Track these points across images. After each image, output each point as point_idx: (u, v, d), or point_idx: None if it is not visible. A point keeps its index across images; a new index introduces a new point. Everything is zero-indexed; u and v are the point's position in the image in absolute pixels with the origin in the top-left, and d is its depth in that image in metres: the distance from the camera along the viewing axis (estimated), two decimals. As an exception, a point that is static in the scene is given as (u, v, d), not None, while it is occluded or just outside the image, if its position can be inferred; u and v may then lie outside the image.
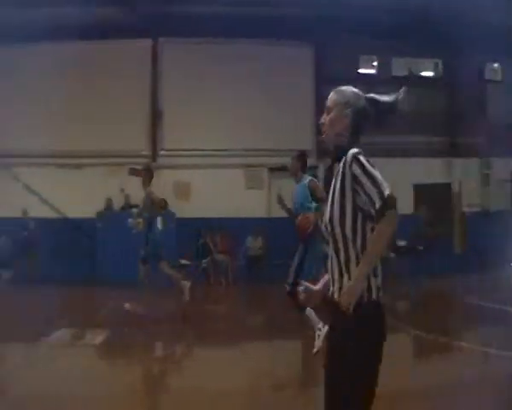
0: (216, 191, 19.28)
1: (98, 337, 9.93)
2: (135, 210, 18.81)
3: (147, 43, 20.38)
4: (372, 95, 3.46)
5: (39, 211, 19.35)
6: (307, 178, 8.24)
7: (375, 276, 3.10)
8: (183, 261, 18.58)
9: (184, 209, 19.27)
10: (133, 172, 19.11)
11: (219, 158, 20.01)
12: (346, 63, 19.91)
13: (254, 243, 19.62)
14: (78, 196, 19.15)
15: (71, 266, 18.29)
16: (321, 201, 7.52)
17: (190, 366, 8.42)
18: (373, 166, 3.11)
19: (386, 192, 2.98)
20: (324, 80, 19.78)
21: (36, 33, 18.48)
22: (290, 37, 19.97)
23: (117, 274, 17.03)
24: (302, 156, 8.42)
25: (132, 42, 20.05)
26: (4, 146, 19.82)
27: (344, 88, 3.52)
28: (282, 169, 18.91)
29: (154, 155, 20.38)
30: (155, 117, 20.45)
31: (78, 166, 19.92)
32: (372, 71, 21.13)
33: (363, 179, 3.04)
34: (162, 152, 20.42)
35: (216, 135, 19.85)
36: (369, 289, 3.06)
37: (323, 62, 20.54)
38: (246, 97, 20.01)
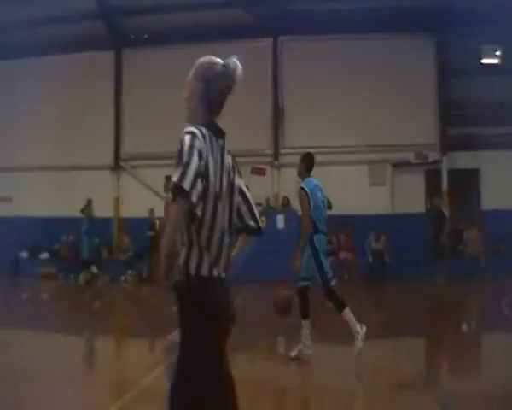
0: (339, 188, 19.22)
1: None
2: (258, 209, 19.27)
3: (267, 42, 20.88)
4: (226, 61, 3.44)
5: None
6: (308, 182, 8.12)
7: (209, 252, 3.09)
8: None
9: (308, 207, 19.35)
10: (256, 171, 19.59)
11: (342, 155, 20.08)
12: (468, 54, 19.29)
13: (377, 240, 19.45)
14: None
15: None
16: (303, 214, 7.93)
17: (315, 363, 8.41)
18: (200, 147, 3.06)
19: (174, 179, 2.94)
20: (447, 72, 19.32)
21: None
22: (411, 29, 19.67)
23: (238, 272, 17.35)
24: (306, 158, 8.28)
25: (253, 41, 20.66)
26: (130, 149, 21.09)
27: (200, 59, 3.47)
28: (406, 164, 18.64)
29: (277, 154, 20.74)
30: (277, 115, 20.81)
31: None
32: (495, 61, 20.21)
33: (176, 160, 3.01)
34: (284, 150, 20.73)
35: (338, 132, 19.95)
36: (198, 266, 3.06)
37: (445, 54, 20.02)
38: (367, 92, 19.91)
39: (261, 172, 20.25)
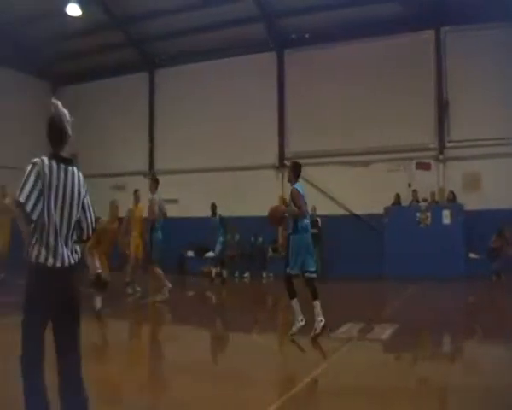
0: (508, 181, 19.35)
1: (386, 332, 10.26)
2: (422, 204, 20.03)
3: (429, 33, 21.17)
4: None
5: (328, 208, 21.36)
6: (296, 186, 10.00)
7: (46, 247, 4.26)
8: (472, 255, 19.12)
9: (473, 201, 19.65)
10: (421, 166, 20.17)
11: (510, 147, 19.89)
12: None
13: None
14: (366, 193, 20.85)
15: (359, 262, 19.94)
16: (298, 207, 9.73)
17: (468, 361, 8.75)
18: (38, 172, 4.29)
19: (16, 196, 4.22)
20: None
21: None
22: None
23: (404, 269, 18.36)
24: (294, 166, 10.18)
25: (414, 34, 21.18)
26: (295, 149, 22.48)
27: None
28: None
29: (442, 148, 20.96)
30: (441, 108, 20.96)
31: (366, 164, 21.58)
32: None
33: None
34: (449, 144, 20.95)
35: (507, 123, 19.69)
36: (37, 256, 4.24)
37: None
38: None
39: (426, 167, 20.66)
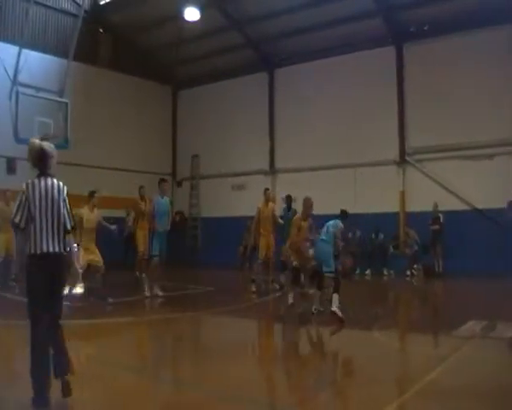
0: None
1: (510, 330, 10.13)
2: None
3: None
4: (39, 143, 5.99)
5: (449, 204, 21.08)
6: None
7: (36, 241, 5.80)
8: None
9: None
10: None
11: None
12: None
13: None
14: (490, 187, 20.34)
15: (481, 258, 19.52)
16: None
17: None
18: (22, 194, 5.86)
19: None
20: None
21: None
22: None
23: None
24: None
25: (490, 29, 20.57)
26: (415, 143, 22.36)
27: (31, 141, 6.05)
28: None
29: None
30: None
31: (489, 156, 21.06)
32: None
33: None
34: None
35: None
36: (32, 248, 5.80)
37: None
38: None
39: None
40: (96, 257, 13.75)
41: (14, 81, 18.39)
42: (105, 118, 25.58)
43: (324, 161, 24.12)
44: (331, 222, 12.38)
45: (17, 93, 18.12)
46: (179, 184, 29.87)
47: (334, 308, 11.04)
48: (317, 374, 7.64)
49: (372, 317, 10.78)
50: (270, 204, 16.69)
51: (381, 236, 22.20)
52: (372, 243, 22.19)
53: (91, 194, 14.15)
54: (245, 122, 26.87)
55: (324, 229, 12.29)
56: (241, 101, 27.08)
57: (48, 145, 6.04)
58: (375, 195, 22.08)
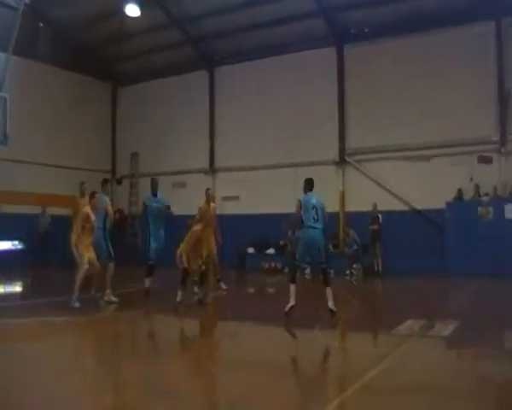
0: None
1: (447, 329, 10.19)
2: (485, 198, 19.86)
3: (488, 25, 20.74)
4: None
5: (388, 204, 21.40)
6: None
7: None
8: None
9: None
10: (482, 159, 19.97)
11: None
12: None
13: None
14: (427, 188, 20.79)
15: (419, 257, 20.00)
16: None
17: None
18: None
19: None
20: None
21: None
22: None
23: (467, 265, 18.28)
24: (305, 180, 12.29)
25: (473, 25, 20.82)
26: (355, 144, 22.56)
27: None
28: None
29: (504, 140, 20.52)
30: (503, 100, 20.54)
31: (426, 158, 21.47)
32: None
33: None
34: (512, 136, 20.53)
35: None
36: None
37: None
38: None
39: (487, 161, 20.34)
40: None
41: (-50, 75, 17.78)
42: (45, 113, 25.12)
43: (265, 160, 24.18)
44: (313, 200, 11.78)
45: (-48, 86, 17.53)
46: (119, 181, 29.46)
47: (332, 305, 11.18)
48: (255, 374, 7.54)
49: (311, 316, 10.75)
50: (212, 204, 16.57)
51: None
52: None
53: (93, 194, 13.53)
54: (186, 120, 26.70)
55: (311, 213, 11.57)
56: (182, 99, 26.88)
57: None
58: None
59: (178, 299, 12.75)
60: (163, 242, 14.73)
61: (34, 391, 6.59)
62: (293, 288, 11.30)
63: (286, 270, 21.79)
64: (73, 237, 12.88)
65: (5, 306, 13.29)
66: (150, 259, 14.36)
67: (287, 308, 11.17)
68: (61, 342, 9.99)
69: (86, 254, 12.62)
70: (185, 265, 12.86)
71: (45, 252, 21.51)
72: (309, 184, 12.17)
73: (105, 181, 15.01)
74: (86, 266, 12.51)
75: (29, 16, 23.08)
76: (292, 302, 11.20)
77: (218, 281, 16.37)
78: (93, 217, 12.98)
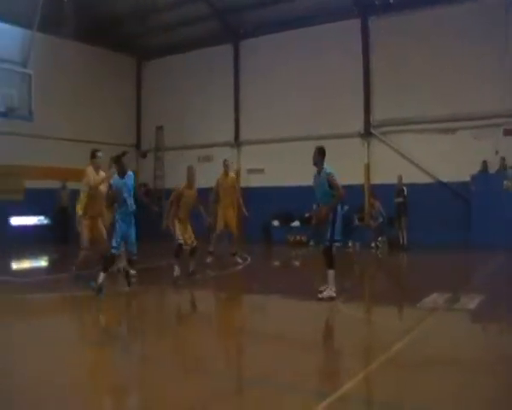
0: None
1: (473, 302, 10.18)
2: (510, 171, 19.70)
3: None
4: None
5: (413, 176, 21.26)
6: (327, 170, 10.77)
7: None
8: None
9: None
10: (509, 132, 19.77)
11: None
12: None
13: None
14: (452, 160, 20.62)
15: (445, 230, 19.90)
16: (337, 190, 10.69)
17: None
18: None
19: None
20: None
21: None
22: None
23: (492, 238, 18.18)
24: (322, 149, 10.94)
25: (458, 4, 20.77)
26: (381, 116, 22.45)
27: None
28: None
29: None
30: None
31: (452, 130, 21.30)
32: None
33: None
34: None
35: None
36: None
37: None
38: None
39: (512, 133, 20.17)
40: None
41: (-25, 52, 18.00)
42: (69, 89, 25.20)
43: (289, 132, 24.13)
44: (326, 171, 10.86)
45: (-21, 64, 17.74)
46: (144, 155, 29.62)
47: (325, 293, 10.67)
48: (283, 347, 7.65)
49: (337, 289, 10.80)
50: (231, 175, 16.60)
51: (346, 207, 22.20)
52: (337, 215, 22.19)
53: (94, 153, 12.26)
54: (210, 94, 26.69)
55: (322, 186, 10.87)
56: (207, 72, 26.86)
57: None
58: (340, 167, 21.68)
59: (175, 273, 12.82)
60: None
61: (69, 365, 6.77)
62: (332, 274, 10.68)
63: (311, 243, 21.92)
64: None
65: (31, 281, 13.47)
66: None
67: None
68: (84, 316, 10.20)
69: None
70: (180, 240, 12.92)
71: (67, 227, 21.71)
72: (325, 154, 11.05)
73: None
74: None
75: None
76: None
77: (234, 255, 16.34)
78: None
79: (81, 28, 25.35)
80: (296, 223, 23.83)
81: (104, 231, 12.12)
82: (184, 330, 6.85)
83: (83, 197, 12.29)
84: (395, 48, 22.02)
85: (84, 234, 12.02)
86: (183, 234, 12.99)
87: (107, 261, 11.17)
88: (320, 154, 10.93)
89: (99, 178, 11.95)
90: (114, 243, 11.09)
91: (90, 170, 12.01)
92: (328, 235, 10.73)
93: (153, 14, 25.23)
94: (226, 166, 16.41)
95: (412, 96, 21.41)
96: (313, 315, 9.97)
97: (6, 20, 22.24)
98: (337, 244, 11.01)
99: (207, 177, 17.70)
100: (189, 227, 13.23)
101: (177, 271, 12.91)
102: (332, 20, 23.22)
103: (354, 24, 23.13)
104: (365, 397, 5.91)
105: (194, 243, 13.10)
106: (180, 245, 12.96)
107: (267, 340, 8.07)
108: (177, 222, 12.99)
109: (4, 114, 17.80)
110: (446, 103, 20.83)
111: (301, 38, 24.13)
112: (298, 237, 23.20)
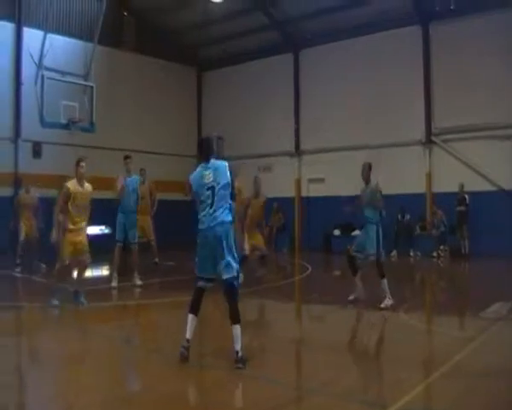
0: None
1: None
2: None
3: None
4: None
5: (475, 184, 20.86)
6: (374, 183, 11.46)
7: None
8: None
9: None
10: None
11: None
12: None
13: None
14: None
15: (508, 239, 19.52)
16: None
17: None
18: None
19: None
20: None
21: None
22: None
23: None
24: (370, 166, 11.67)
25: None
26: (442, 124, 22.14)
27: None
28: None
29: None
30: None
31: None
32: None
33: None
34: None
35: None
36: None
37: None
38: None
39: None
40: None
41: (40, 66, 18.52)
42: (129, 101, 25.76)
43: (349, 141, 24.02)
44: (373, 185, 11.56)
45: (42, 77, 18.25)
46: (204, 165, 29.87)
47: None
48: (343, 356, 7.65)
49: (398, 298, 10.72)
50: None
51: (408, 216, 22.10)
52: (398, 224, 22.05)
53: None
54: (270, 104, 26.84)
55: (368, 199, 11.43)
56: (267, 82, 27.02)
57: None
58: (400, 175, 21.90)
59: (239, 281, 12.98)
60: None
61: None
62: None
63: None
64: None
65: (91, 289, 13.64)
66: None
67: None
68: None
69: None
70: (245, 251, 12.99)
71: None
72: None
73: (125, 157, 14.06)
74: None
75: (113, 6, 23.77)
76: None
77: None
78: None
79: (141, 40, 25.96)
80: (357, 232, 23.64)
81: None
82: (245, 339, 6.89)
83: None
84: (457, 53, 21.66)
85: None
86: (248, 243, 13.10)
87: None
88: (370, 169, 11.74)
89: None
90: None
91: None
92: (375, 249, 10.90)
93: (212, 25, 25.55)
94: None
95: (474, 102, 21.03)
96: (374, 325, 9.96)
97: (67, 34, 22.95)
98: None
99: (267, 186, 17.75)
100: (258, 236, 13.30)
101: (241, 278, 13.04)
102: (392, 27, 23.02)
103: (414, 31, 22.86)
104: (426, 409, 5.84)
105: (263, 252, 13.18)
106: (244, 256, 12.96)
107: (327, 349, 8.08)
108: (245, 232, 13.12)
109: (67, 126, 18.27)
110: (510, 109, 20.39)
111: (361, 46, 24.02)
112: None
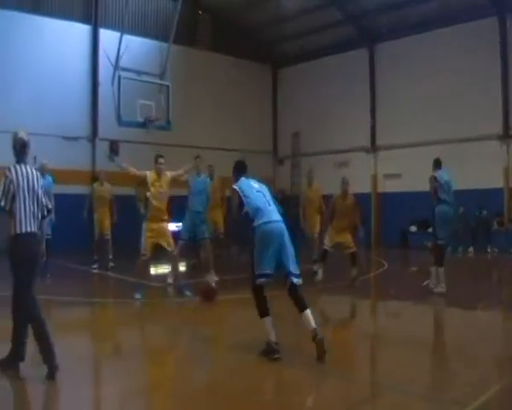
0: None
1: None
2: None
3: None
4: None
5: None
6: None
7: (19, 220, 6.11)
8: None
9: None
10: None
11: None
12: None
13: None
14: None
15: None
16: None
17: None
18: (8, 175, 6.13)
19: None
20: None
21: None
22: None
23: None
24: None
25: None
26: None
27: None
28: None
29: None
30: None
31: None
32: None
33: None
34: None
35: None
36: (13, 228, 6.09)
37: None
38: None
39: None
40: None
41: (116, 66, 18.91)
42: (205, 98, 26.20)
43: (425, 136, 23.69)
44: (446, 176, 12.74)
45: (119, 78, 18.63)
46: (281, 162, 30.16)
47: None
48: (419, 353, 7.69)
49: (475, 296, 10.63)
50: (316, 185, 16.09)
51: (485, 212, 21.74)
52: (476, 220, 21.71)
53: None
54: (346, 99, 26.78)
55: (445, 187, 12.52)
56: (342, 77, 26.98)
57: (26, 135, 6.46)
58: (478, 170, 21.52)
59: (318, 277, 13.37)
60: None
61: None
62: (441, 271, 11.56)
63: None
64: None
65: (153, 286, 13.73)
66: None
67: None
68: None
69: None
70: (325, 246, 13.41)
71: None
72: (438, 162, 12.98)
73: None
74: None
75: (188, 5, 24.14)
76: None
77: (314, 261, 14.79)
78: None
79: (216, 38, 26.33)
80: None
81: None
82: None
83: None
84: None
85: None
86: (331, 241, 13.26)
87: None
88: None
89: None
90: None
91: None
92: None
93: (286, 22, 25.69)
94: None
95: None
96: (451, 322, 9.92)
97: (143, 35, 23.69)
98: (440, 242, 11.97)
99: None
100: (347, 236, 13.32)
101: (320, 275, 13.25)
102: (467, 20, 22.57)
103: (491, 22, 22.36)
104: (503, 409, 5.82)
105: (351, 250, 13.26)
106: (325, 250, 13.41)
107: (403, 346, 8.12)
108: (330, 229, 13.36)
109: (143, 125, 18.69)
110: None
111: (436, 39, 23.63)
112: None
